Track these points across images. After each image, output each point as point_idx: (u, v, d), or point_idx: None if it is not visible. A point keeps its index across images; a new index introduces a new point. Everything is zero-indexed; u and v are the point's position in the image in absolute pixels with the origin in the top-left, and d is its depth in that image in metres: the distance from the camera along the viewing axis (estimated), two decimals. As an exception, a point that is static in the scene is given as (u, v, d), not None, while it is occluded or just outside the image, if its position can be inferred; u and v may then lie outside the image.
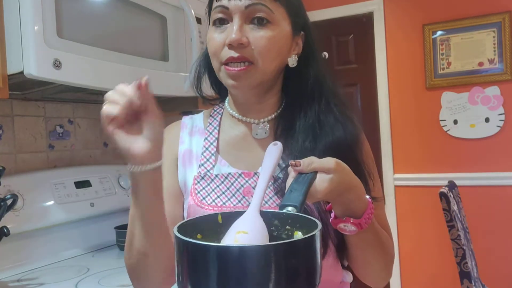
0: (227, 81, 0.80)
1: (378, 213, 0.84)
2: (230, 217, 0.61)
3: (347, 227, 0.70)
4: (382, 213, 0.87)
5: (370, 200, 0.72)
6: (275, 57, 0.80)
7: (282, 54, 0.82)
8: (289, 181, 0.66)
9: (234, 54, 0.77)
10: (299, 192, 0.62)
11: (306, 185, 0.63)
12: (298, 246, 0.52)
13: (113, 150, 0.67)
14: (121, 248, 1.66)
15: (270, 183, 0.80)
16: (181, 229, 0.56)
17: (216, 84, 0.93)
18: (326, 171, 0.65)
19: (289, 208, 0.60)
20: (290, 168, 0.67)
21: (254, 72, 0.78)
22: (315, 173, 0.65)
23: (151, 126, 0.66)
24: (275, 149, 0.70)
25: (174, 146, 0.91)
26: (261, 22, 0.78)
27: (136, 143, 0.65)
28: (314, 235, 0.52)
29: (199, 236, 0.60)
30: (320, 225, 0.55)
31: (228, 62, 0.78)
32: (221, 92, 0.95)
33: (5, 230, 1.26)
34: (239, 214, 0.61)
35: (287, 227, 0.61)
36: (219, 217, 0.62)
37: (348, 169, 0.68)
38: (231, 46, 0.77)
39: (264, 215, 0.61)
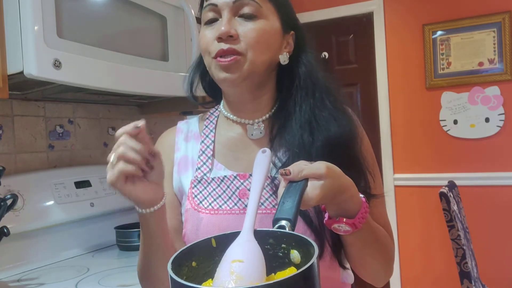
0: (219, 75, 0.80)
1: (378, 210, 0.84)
2: (224, 240, 0.60)
3: (342, 227, 0.70)
4: (382, 210, 0.86)
5: (364, 199, 0.71)
6: (265, 50, 0.81)
7: (272, 48, 0.83)
8: (281, 191, 0.64)
9: (224, 46, 0.78)
10: (291, 203, 0.61)
11: (298, 195, 0.62)
12: (297, 280, 0.49)
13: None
14: (121, 248, 1.66)
15: (267, 183, 0.80)
16: (175, 261, 0.56)
17: (210, 87, 0.94)
18: (317, 177, 0.64)
19: (283, 222, 0.59)
20: (280, 177, 0.66)
21: (243, 62, 0.79)
22: (306, 180, 0.64)
23: (156, 169, 0.68)
24: (264, 158, 0.69)
25: (170, 154, 0.91)
26: (249, 16, 0.80)
27: (145, 191, 0.68)
28: (312, 264, 0.50)
29: (194, 264, 0.59)
30: (316, 250, 0.53)
31: (218, 56, 0.79)
32: (215, 95, 0.95)
33: (5, 230, 1.26)
34: (232, 235, 0.60)
35: (283, 245, 0.60)
36: (213, 241, 0.61)
37: (339, 172, 0.67)
38: (220, 39, 0.79)
39: (258, 234, 0.60)
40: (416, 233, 3.09)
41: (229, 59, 0.78)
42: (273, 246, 0.60)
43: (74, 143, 1.76)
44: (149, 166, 0.68)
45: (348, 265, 0.85)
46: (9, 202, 1.26)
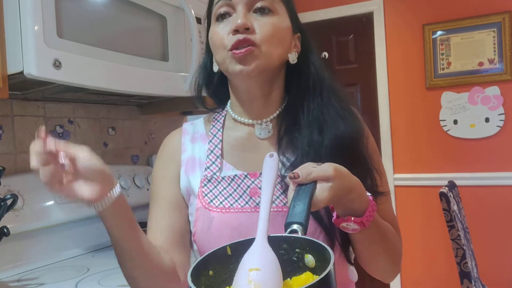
0: (234, 67, 0.80)
1: (385, 207, 0.84)
2: (239, 247, 0.61)
3: (350, 226, 0.70)
4: (389, 207, 0.87)
5: (371, 198, 0.72)
6: (278, 44, 0.81)
7: (285, 44, 0.83)
8: (290, 195, 0.65)
9: (240, 36, 0.78)
10: (302, 206, 0.61)
11: (308, 198, 0.62)
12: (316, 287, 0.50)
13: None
14: (121, 248, 1.66)
15: (277, 182, 0.81)
16: (194, 271, 0.57)
17: (215, 94, 0.94)
18: (325, 180, 0.64)
19: (295, 226, 0.60)
20: (288, 179, 0.66)
21: (258, 54, 0.79)
22: (315, 182, 0.64)
23: (83, 166, 0.65)
24: (272, 162, 0.69)
25: (177, 155, 0.91)
26: (263, 11, 0.81)
27: (83, 189, 0.65)
28: (330, 270, 0.51)
29: (211, 272, 0.61)
30: (332, 255, 0.54)
31: (234, 47, 0.79)
32: (220, 101, 0.95)
33: (5, 230, 1.25)
34: (247, 243, 0.61)
35: (297, 250, 0.60)
36: (228, 249, 0.62)
37: (346, 172, 0.67)
38: (236, 32, 0.79)
39: (272, 239, 0.61)
40: (416, 233, 3.09)
41: (243, 50, 0.78)
42: (287, 251, 0.61)
43: (74, 143, 1.76)
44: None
45: (352, 260, 0.86)
46: (9, 202, 1.26)
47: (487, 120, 2.89)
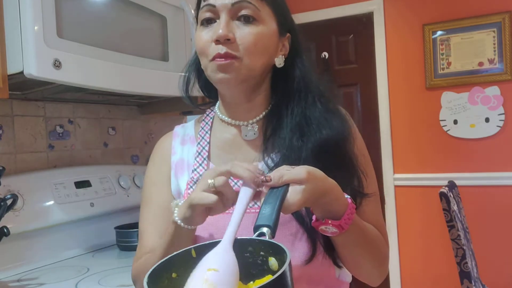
0: (215, 76, 0.80)
1: (370, 209, 0.84)
2: (204, 250, 0.61)
3: (328, 229, 0.70)
4: (375, 209, 0.86)
5: (350, 200, 0.71)
6: (261, 54, 0.81)
7: (269, 52, 0.83)
8: (262, 198, 0.65)
9: (221, 50, 0.78)
10: (271, 209, 0.61)
11: (279, 201, 0.62)
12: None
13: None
14: (121, 248, 1.66)
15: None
16: (154, 273, 0.56)
17: (206, 88, 0.94)
18: (298, 182, 0.64)
19: (264, 229, 0.60)
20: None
21: (239, 66, 0.79)
22: (287, 186, 0.64)
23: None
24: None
25: (167, 158, 0.92)
26: (247, 20, 0.80)
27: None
28: (283, 272, 0.51)
29: (174, 275, 0.60)
30: (288, 257, 0.54)
31: (215, 58, 0.79)
32: (211, 95, 0.95)
33: (5, 230, 1.26)
34: (212, 245, 0.61)
35: (261, 253, 0.61)
36: (193, 252, 0.62)
37: (320, 175, 0.67)
38: (218, 42, 0.78)
39: (238, 242, 0.61)
40: (416, 233, 3.09)
41: (224, 60, 0.78)
42: (252, 254, 0.61)
43: (74, 143, 1.76)
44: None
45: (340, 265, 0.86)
46: (9, 202, 1.26)
47: (487, 120, 2.89)
